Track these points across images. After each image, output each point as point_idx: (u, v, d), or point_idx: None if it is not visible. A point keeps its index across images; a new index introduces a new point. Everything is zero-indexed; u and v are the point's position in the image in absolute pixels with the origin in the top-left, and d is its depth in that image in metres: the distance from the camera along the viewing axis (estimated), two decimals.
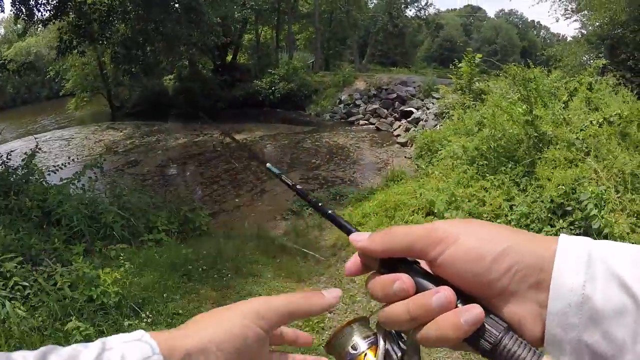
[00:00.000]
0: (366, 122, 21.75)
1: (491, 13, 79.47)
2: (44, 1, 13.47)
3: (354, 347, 0.57)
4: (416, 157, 12.53)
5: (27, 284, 4.51)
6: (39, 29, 15.22)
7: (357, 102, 23.83)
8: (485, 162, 8.02)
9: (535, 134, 7.50)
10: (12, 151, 8.74)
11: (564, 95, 9.66)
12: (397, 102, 22.50)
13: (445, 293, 0.48)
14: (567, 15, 23.95)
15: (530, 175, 7.09)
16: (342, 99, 24.51)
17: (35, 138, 8.89)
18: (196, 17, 15.02)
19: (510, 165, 7.46)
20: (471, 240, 0.49)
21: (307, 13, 36.91)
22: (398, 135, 18.55)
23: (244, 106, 27.13)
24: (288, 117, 24.25)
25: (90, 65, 28.95)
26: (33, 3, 13.34)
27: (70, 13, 13.69)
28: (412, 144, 16.14)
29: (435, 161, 10.71)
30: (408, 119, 19.79)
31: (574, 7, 23.27)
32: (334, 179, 12.91)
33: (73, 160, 8.89)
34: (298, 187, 0.77)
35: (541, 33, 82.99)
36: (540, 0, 22.60)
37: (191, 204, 8.31)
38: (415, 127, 18.51)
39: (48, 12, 13.59)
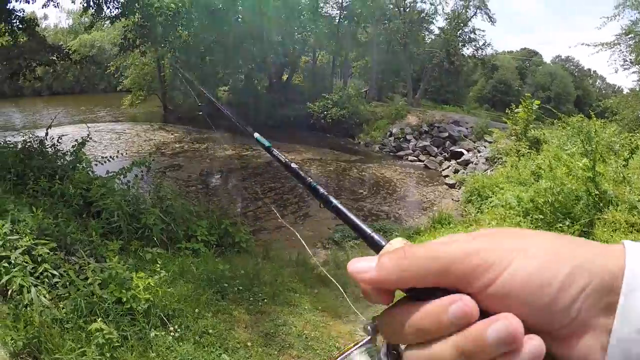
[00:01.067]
0: (415, 158, 21.35)
1: (547, 58, 77.53)
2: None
3: None
4: (465, 201, 12.04)
5: (56, 272, 4.34)
6: (105, 25, 15.58)
7: (408, 137, 23.51)
8: (540, 216, 7.50)
9: (596, 192, 6.97)
10: (63, 135, 8.76)
11: (624, 151, 9.09)
12: (448, 142, 22.12)
13: (505, 323, 0.35)
14: (625, 67, 23.15)
15: (588, 236, 6.55)
16: (393, 132, 24.23)
17: (88, 127, 8.90)
18: (257, 34, 15.11)
19: (567, 223, 6.95)
20: (529, 263, 0.37)
21: (365, 42, 37.08)
22: (446, 176, 18.10)
23: (294, 127, 27.16)
24: (337, 144, 24.16)
25: (149, 66, 29.92)
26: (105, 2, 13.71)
27: (137, 13, 13.96)
28: (460, 187, 15.68)
29: (486, 208, 10.27)
30: (458, 160, 19.37)
31: (632, 58, 22.45)
32: (378, 213, 12.55)
33: (121, 154, 8.85)
34: (293, 165, 0.71)
35: (597, 83, 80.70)
36: (600, 49, 21.77)
37: (233, 218, 8.09)
38: (465, 169, 18.10)
39: (116, 9, 13.92)
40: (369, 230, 0.51)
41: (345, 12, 33.72)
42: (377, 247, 0.48)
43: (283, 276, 6.02)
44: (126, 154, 17.41)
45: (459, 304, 0.37)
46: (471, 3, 34.66)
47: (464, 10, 35.22)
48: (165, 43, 15.71)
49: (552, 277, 0.36)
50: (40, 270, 4.27)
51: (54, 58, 12.37)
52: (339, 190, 14.99)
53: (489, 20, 34.99)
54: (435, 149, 21.80)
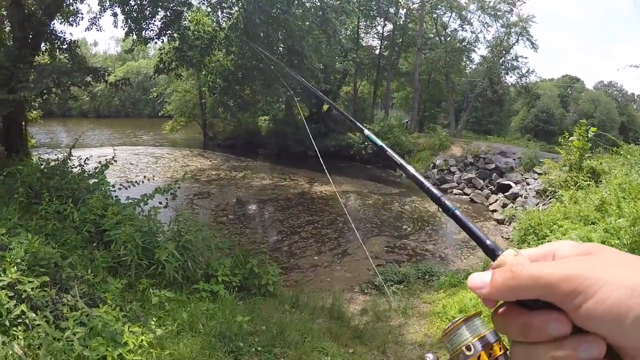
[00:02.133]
0: (460, 191, 20.14)
1: (589, 84, 74.80)
2: (153, 21, 13.70)
3: (469, 348, 0.56)
4: (519, 241, 10.85)
5: (35, 315, 3.59)
6: (150, 52, 15.55)
7: (452, 169, 22.39)
8: None
9: None
10: (100, 156, 8.49)
11: None
12: (494, 174, 20.86)
13: (595, 347, 0.45)
14: None
15: None
16: (437, 163, 23.15)
17: (115, 149, 8.44)
18: (298, 61, 14.57)
19: None
20: (614, 293, 0.43)
21: (406, 72, 36.68)
22: (494, 211, 16.88)
23: (334, 157, 26.63)
24: (377, 176, 23.25)
25: (191, 93, 30.35)
26: (143, 24, 13.60)
27: (174, 35, 13.78)
28: (509, 223, 14.51)
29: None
30: (505, 193, 18.13)
31: None
32: (423, 252, 11.44)
33: (152, 179, 8.27)
34: (409, 167, 0.77)
35: None
36: None
37: (263, 254, 7.26)
38: (513, 203, 16.86)
39: (153, 32, 13.81)
40: (486, 240, 0.57)
41: (386, 42, 33.49)
42: (493, 255, 0.55)
43: (312, 333, 5.06)
44: (154, 179, 17.11)
45: (556, 323, 0.46)
46: (513, 30, 33.90)
47: (505, 37, 34.43)
48: (201, 66, 15.32)
49: (630, 308, 0.42)
50: (17, 312, 3.55)
51: (88, 79, 12.23)
52: (380, 226, 13.95)
53: (531, 47, 34.08)
54: (481, 181, 20.57)
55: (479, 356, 0.55)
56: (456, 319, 0.59)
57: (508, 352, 0.54)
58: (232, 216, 13.74)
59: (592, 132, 13.07)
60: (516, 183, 18.97)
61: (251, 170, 21.66)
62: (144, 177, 8.65)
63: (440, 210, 0.69)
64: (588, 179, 11.77)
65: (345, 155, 26.60)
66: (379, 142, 0.87)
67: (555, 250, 0.53)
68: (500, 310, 0.51)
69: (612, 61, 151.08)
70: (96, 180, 7.58)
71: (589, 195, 10.41)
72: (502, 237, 13.18)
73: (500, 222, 15.22)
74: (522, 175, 19.72)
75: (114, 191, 7.74)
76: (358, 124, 1.10)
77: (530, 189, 17.12)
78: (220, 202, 15.49)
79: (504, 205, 17.00)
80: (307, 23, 15.41)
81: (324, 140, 27.71)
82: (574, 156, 13.16)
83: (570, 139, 13.58)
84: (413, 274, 8.64)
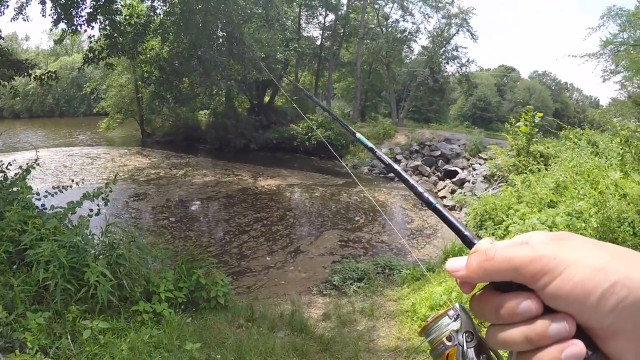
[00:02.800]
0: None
1: (525, 74, 78.26)
2: (83, 7, 12.47)
3: (449, 338, 0.59)
4: (475, 227, 10.66)
5: None
6: (84, 46, 14.25)
7: (398, 157, 22.31)
8: None
9: None
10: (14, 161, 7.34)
11: None
12: (440, 160, 20.93)
13: (564, 325, 0.46)
14: (605, 77, 23.00)
15: None
16: (382, 152, 22.91)
17: (37, 151, 7.38)
18: (239, 49, 13.74)
19: None
20: (579, 272, 0.45)
21: (348, 62, 36.56)
22: (444, 197, 16.84)
23: (277, 150, 26.00)
24: (323, 167, 22.78)
25: (127, 88, 28.71)
26: (73, 10, 12.38)
27: (105, 21, 12.63)
28: (460, 208, 14.44)
29: (501, 233, 8.95)
30: (453, 179, 18.16)
31: (613, 68, 22.64)
32: (378, 244, 11.00)
33: (77, 184, 7.26)
34: (395, 166, 0.80)
35: (574, 95, 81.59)
36: (587, 59, 21.75)
37: (208, 262, 6.46)
38: (461, 188, 16.90)
39: (82, 18, 12.59)
40: (464, 231, 0.60)
41: (327, 32, 33.13)
42: (470, 244, 0.57)
43: (275, 353, 4.36)
44: (94, 181, 15.90)
45: (526, 302, 0.47)
46: (453, 21, 34.50)
47: (446, 28, 34.98)
48: (133, 54, 14.15)
49: (594, 288, 0.44)
50: None
51: (8, 73, 11.00)
52: (331, 219, 13.41)
53: (471, 37, 34.73)
54: (428, 168, 20.59)
55: (457, 345, 0.57)
56: (435, 313, 0.62)
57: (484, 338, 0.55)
58: (174, 218, 12.77)
59: (539, 117, 13.17)
60: (462, 169, 19.05)
61: (192, 167, 20.60)
62: (72, 180, 7.63)
63: (423, 204, 0.71)
64: (538, 163, 11.76)
65: (289, 147, 26.06)
66: (369, 144, 0.93)
67: (528, 239, 0.52)
68: (477, 294, 0.53)
69: (548, 53, 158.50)
70: (16, 189, 6.51)
71: (542, 178, 10.37)
72: None
73: (450, 208, 15.09)
74: (468, 161, 19.84)
75: (39, 199, 6.69)
76: (350, 128, 1.10)
77: (477, 174, 17.19)
78: (161, 203, 14.46)
79: (453, 192, 17.00)
80: (247, 5, 14.58)
81: (267, 132, 27.05)
82: (521, 141, 13.20)
83: (516, 124, 13.63)
84: (372, 270, 8.15)
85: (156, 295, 5.19)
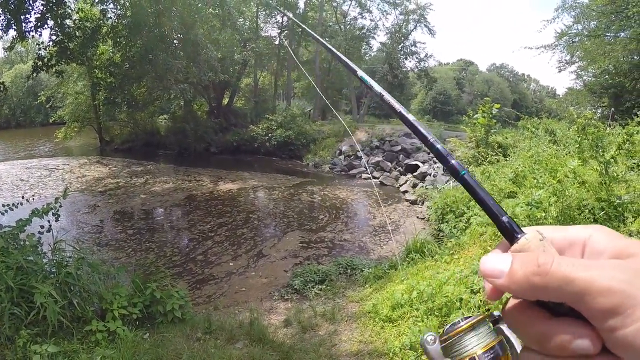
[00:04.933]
0: (369, 175, 20.10)
1: (483, 67, 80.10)
2: (31, 12, 12.00)
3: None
4: (437, 221, 10.79)
5: None
6: (32, 48, 13.63)
7: (359, 154, 22.34)
8: None
9: (617, 200, 5.77)
10: None
11: (610, 149, 8.12)
12: (401, 155, 21.14)
13: None
14: (561, 67, 23.82)
15: None
16: (343, 149, 23.02)
17: None
18: (193, 51, 13.49)
19: None
20: None
21: (307, 61, 36.49)
22: (406, 192, 16.97)
23: (237, 152, 25.76)
24: (284, 167, 22.67)
25: (83, 95, 27.80)
26: (22, 16, 11.89)
27: (53, 28, 12.19)
28: (422, 202, 14.60)
29: (463, 226, 9.08)
30: (414, 174, 18.33)
31: (568, 58, 23.43)
32: (341, 243, 10.97)
33: (28, 200, 6.93)
34: (415, 123, 0.63)
35: (531, 86, 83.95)
36: (542, 51, 22.72)
37: (161, 274, 6.28)
38: (423, 182, 17.07)
39: (31, 23, 12.12)
40: (502, 215, 0.47)
41: (285, 31, 32.98)
42: (510, 236, 0.46)
43: None
44: (50, 194, 15.31)
45: (586, 342, 0.38)
46: (411, 17, 34.97)
47: (404, 24, 35.40)
48: (84, 60, 13.71)
49: None
50: None
51: None
52: (294, 219, 13.32)
53: (429, 32, 35.31)
54: (389, 163, 20.72)
55: None
56: (460, 323, 0.52)
57: None
58: (135, 230, 12.40)
59: (496, 108, 13.39)
60: (423, 162, 19.26)
61: (152, 175, 20.13)
62: (22, 197, 7.30)
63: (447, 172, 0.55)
64: (497, 154, 11.97)
65: (250, 148, 25.91)
66: (376, 87, 0.72)
67: (587, 239, 0.44)
68: (515, 305, 0.44)
69: (504, 45, 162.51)
70: None
71: (501, 169, 10.54)
72: (417, 217, 13.15)
73: (413, 202, 15.25)
74: (429, 154, 20.07)
75: None
76: (351, 66, 0.83)
77: (438, 167, 17.39)
78: (122, 214, 14.05)
79: (414, 185, 17.14)
80: (198, 5, 14.31)
81: (227, 135, 26.76)
82: (480, 133, 13.41)
83: (475, 116, 13.85)
84: (334, 271, 8.11)
85: (110, 313, 5.02)
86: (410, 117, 0.64)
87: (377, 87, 0.73)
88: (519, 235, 0.45)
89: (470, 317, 0.51)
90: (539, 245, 0.44)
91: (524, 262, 0.41)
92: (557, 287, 0.38)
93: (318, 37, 1.15)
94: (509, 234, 0.46)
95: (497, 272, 0.42)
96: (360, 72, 0.78)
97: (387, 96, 0.71)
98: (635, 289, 0.36)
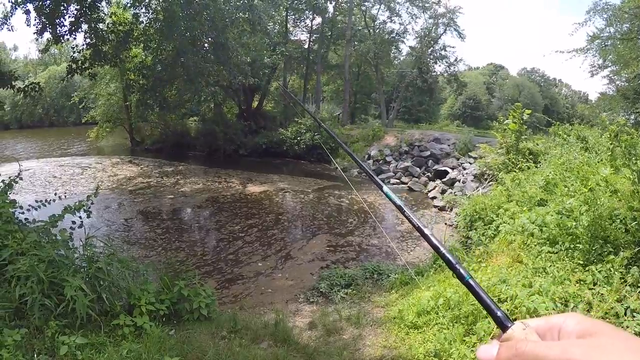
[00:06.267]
0: (397, 180, 19.98)
1: (513, 71, 78.79)
2: (65, 16, 12.32)
3: None
4: (465, 228, 10.61)
5: None
6: (65, 50, 13.97)
7: (388, 159, 22.25)
8: (577, 244, 5.97)
9: None
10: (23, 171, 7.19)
11: None
12: (430, 161, 20.91)
13: None
14: (593, 72, 22.90)
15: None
16: (372, 154, 22.93)
17: (20, 165, 7.21)
18: (224, 55, 13.65)
19: (607, 249, 5.52)
20: None
21: (336, 64, 36.54)
22: (434, 198, 16.81)
23: (266, 154, 25.95)
24: (312, 170, 22.72)
25: (115, 96, 28.51)
26: (57, 20, 12.23)
27: (87, 31, 12.50)
28: (450, 209, 14.43)
29: (492, 234, 8.89)
30: (443, 180, 18.12)
31: (600, 62, 22.62)
32: (368, 248, 10.92)
33: (60, 197, 7.11)
34: (426, 231, 0.78)
35: (562, 91, 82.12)
36: (574, 54, 21.95)
37: (190, 273, 6.36)
38: (452, 188, 16.87)
39: (65, 28, 12.43)
40: (497, 311, 0.60)
41: (315, 35, 33.08)
42: (502, 326, 0.59)
43: None
44: (83, 191, 15.69)
45: None
46: (440, 21, 34.63)
47: (433, 28, 35.08)
48: (116, 63, 14.03)
49: None
50: None
51: None
52: (322, 222, 13.34)
53: (458, 36, 34.90)
54: (418, 169, 20.54)
55: None
56: None
57: None
58: (165, 229, 12.60)
59: (527, 114, 13.13)
60: (452, 168, 19.04)
61: (183, 175, 20.46)
62: (55, 194, 7.49)
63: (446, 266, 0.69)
64: (527, 161, 11.73)
65: (278, 151, 26.08)
66: (398, 201, 0.89)
67: (562, 324, 0.54)
68: None
69: (535, 49, 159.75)
70: None
71: (532, 176, 10.32)
72: (446, 223, 13.01)
73: (441, 209, 15.10)
74: (458, 160, 19.84)
75: (22, 213, 6.54)
76: (377, 179, 1.09)
77: (467, 173, 17.17)
78: (153, 213, 14.30)
79: (443, 192, 16.96)
80: (229, 9, 14.49)
81: (256, 137, 26.97)
82: (510, 139, 13.16)
83: (505, 122, 13.60)
84: (360, 275, 8.07)
85: (137, 309, 5.10)
86: (427, 231, 0.79)
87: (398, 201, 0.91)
88: (509, 325, 0.58)
89: None
90: (522, 334, 0.55)
91: (507, 347, 0.53)
92: None
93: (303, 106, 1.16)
94: (502, 325, 0.59)
95: (489, 357, 0.54)
96: (386, 189, 0.96)
97: (407, 212, 0.86)
98: (588, 358, 0.45)
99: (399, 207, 0.86)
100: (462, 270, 0.67)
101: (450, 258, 0.69)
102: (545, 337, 0.56)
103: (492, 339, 0.61)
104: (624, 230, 5.74)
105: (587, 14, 21.87)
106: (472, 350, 4.27)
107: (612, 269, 5.28)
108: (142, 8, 13.71)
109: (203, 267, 9.32)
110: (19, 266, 4.67)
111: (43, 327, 4.52)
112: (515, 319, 0.59)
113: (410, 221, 0.79)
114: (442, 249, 0.70)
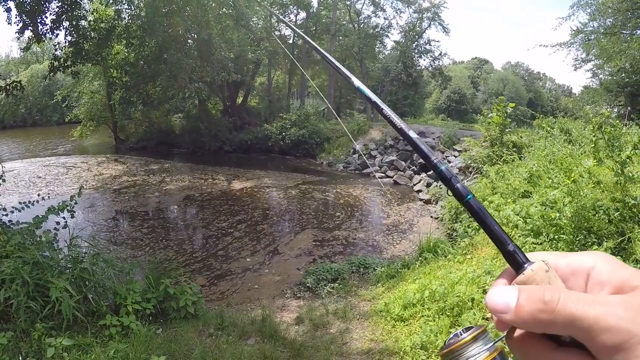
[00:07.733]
0: (383, 174, 20.05)
1: (498, 65, 79.37)
2: (47, 14, 12.17)
3: None
4: (451, 221, 10.73)
5: None
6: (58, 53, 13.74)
7: (373, 153, 22.32)
8: (561, 235, 6.08)
9: (633, 201, 5.67)
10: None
11: (626, 148, 7.96)
12: (415, 154, 20.92)
13: None
14: (577, 65, 23.56)
15: (623, 253, 5.26)
16: (357, 148, 22.98)
17: (3, 166, 7.10)
18: (207, 50, 13.58)
19: (591, 240, 5.63)
20: None
21: (320, 59, 36.28)
22: (419, 191, 16.91)
23: (251, 150, 25.89)
24: (298, 166, 22.74)
25: (99, 94, 28.24)
26: (38, 17, 12.07)
27: (69, 29, 12.35)
28: (436, 202, 14.54)
29: (476, 226, 8.98)
30: (428, 173, 18.22)
31: (584, 56, 23.26)
32: (355, 242, 10.98)
33: (43, 198, 7.02)
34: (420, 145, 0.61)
35: (546, 84, 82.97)
36: (557, 49, 22.34)
37: (176, 272, 6.36)
38: (437, 181, 16.95)
39: (47, 26, 12.27)
40: (510, 245, 0.47)
41: (299, 30, 32.96)
42: (516, 266, 0.46)
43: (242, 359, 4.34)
44: (67, 191, 15.50)
45: None
46: (425, 15, 34.75)
47: (418, 22, 35.21)
48: (99, 61, 13.88)
49: None
50: None
51: None
52: (307, 216, 13.38)
53: (443, 31, 35.08)
54: (403, 162, 20.64)
55: None
56: (462, 335, 0.50)
57: None
58: (151, 228, 12.53)
59: (511, 107, 13.27)
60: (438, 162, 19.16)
61: (168, 173, 20.30)
62: (38, 195, 7.39)
63: (451, 194, 0.55)
64: (512, 153, 11.86)
65: (264, 147, 26.08)
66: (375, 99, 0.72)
67: (591, 270, 0.44)
68: (521, 335, 0.45)
69: (519, 43, 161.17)
70: None
71: (516, 168, 10.44)
72: (431, 216, 13.10)
73: (426, 202, 15.21)
74: (443, 153, 19.97)
75: (6, 215, 6.47)
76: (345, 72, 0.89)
77: (452, 166, 17.27)
78: (139, 212, 14.19)
79: (428, 185, 17.07)
80: (212, 5, 14.42)
81: (241, 133, 26.89)
82: (494, 132, 13.29)
83: (489, 115, 13.73)
84: (347, 269, 8.12)
85: (124, 308, 5.09)
86: (413, 134, 0.63)
87: (376, 99, 0.73)
88: (526, 265, 0.46)
89: (471, 327, 0.51)
90: (545, 277, 0.44)
91: (531, 297, 0.42)
92: (563, 324, 0.39)
93: (309, 39, 1.16)
94: (516, 262, 0.47)
95: (504, 307, 0.43)
96: (357, 82, 0.80)
97: (387, 110, 0.68)
98: (637, 326, 0.38)
99: (374, 104, 0.72)
100: (459, 186, 0.53)
101: (444, 169, 0.55)
102: (569, 283, 0.46)
103: (500, 277, 0.49)
104: (607, 221, 5.84)
105: (571, 9, 22.39)
106: None
107: None
108: (124, 4, 13.59)
109: (193, 264, 9.32)
110: (4, 269, 4.63)
111: (29, 329, 4.50)
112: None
113: (391, 124, 0.65)
114: (433, 158, 0.57)
